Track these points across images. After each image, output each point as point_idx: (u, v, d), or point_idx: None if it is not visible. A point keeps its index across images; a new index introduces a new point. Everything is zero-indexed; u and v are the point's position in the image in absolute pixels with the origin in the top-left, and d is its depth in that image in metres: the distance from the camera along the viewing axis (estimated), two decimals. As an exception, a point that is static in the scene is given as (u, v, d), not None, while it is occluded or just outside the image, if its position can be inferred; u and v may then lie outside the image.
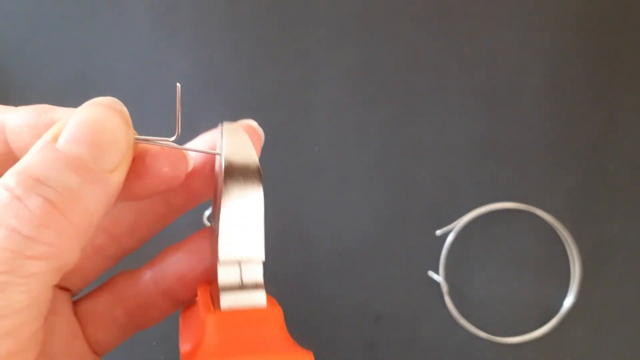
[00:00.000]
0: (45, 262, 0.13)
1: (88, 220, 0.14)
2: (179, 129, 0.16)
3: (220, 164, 0.17)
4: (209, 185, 0.19)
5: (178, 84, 0.16)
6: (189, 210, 0.20)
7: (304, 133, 0.40)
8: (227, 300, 0.16)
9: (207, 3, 0.40)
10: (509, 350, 0.39)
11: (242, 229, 0.17)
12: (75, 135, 0.14)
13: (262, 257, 0.17)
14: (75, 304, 0.19)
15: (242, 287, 0.17)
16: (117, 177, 0.14)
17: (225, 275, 0.16)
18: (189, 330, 0.17)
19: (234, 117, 0.39)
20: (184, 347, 0.17)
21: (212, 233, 0.18)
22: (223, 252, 0.16)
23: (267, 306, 0.17)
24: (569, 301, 0.39)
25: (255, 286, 0.17)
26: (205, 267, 0.19)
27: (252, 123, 0.20)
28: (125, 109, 0.15)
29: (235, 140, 0.17)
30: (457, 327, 0.39)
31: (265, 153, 0.40)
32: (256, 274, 0.17)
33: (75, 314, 0.19)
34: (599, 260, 0.39)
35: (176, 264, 0.19)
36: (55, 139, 0.14)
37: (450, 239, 0.39)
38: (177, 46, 0.40)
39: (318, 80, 0.40)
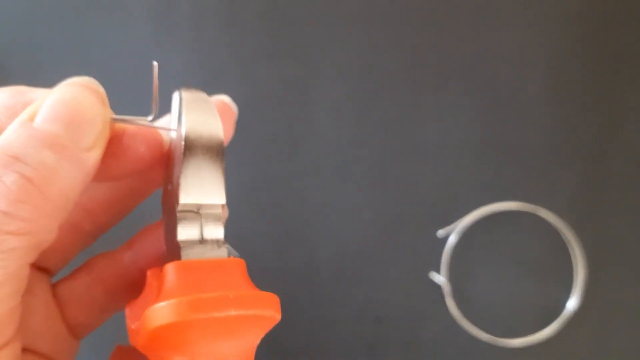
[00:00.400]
0: (21, 237, 0.13)
1: (65, 197, 0.14)
2: (155, 109, 0.16)
3: (178, 137, 0.17)
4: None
5: (154, 63, 0.16)
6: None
7: (303, 132, 0.39)
8: (187, 255, 0.16)
9: (206, 3, 0.40)
10: (511, 352, 0.39)
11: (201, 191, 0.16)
12: (51, 114, 0.14)
13: (223, 201, 0.16)
14: (54, 286, 0.19)
15: (202, 242, 0.16)
16: (94, 155, 0.14)
17: (185, 232, 0.16)
18: (138, 310, 0.16)
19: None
20: (134, 323, 0.16)
21: (165, 214, 0.18)
22: (183, 197, 0.16)
23: (232, 257, 0.16)
24: (572, 303, 0.38)
25: (216, 242, 0.16)
26: None
27: (225, 98, 0.19)
28: (101, 89, 0.15)
29: (197, 112, 0.17)
30: (459, 329, 0.39)
31: (265, 153, 0.39)
32: (217, 232, 0.17)
33: (54, 296, 0.19)
34: (602, 262, 0.39)
35: (154, 243, 0.19)
36: (32, 118, 0.14)
37: (451, 240, 0.39)
38: (175, 45, 0.40)
39: (317, 79, 0.40)
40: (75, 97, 0.14)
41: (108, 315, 0.20)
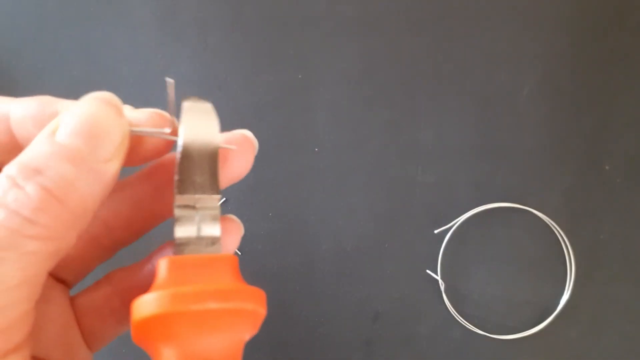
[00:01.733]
0: (41, 242, 0.14)
1: (83, 207, 0.15)
2: (174, 124, 0.17)
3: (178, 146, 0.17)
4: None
5: (170, 80, 0.16)
6: None
7: (304, 134, 0.40)
8: (181, 251, 0.17)
9: (210, 9, 0.41)
10: (506, 347, 0.39)
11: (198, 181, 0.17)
12: (72, 128, 0.15)
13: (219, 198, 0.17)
14: (73, 298, 0.20)
15: (198, 239, 0.17)
16: (112, 167, 0.15)
17: (181, 229, 0.17)
18: None
19: (236, 119, 0.40)
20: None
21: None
22: (178, 196, 0.17)
23: (224, 253, 0.17)
24: (564, 300, 0.39)
25: (211, 239, 0.17)
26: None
27: (247, 133, 0.19)
28: (119, 103, 0.16)
29: (194, 119, 0.17)
30: (455, 325, 0.39)
31: (267, 154, 0.40)
32: (213, 229, 0.17)
33: (73, 306, 0.19)
34: (594, 260, 0.39)
35: None
36: (54, 132, 0.15)
37: (447, 238, 0.39)
38: (180, 50, 0.41)
39: (318, 83, 0.40)
40: (95, 112, 0.15)
41: (124, 327, 0.20)
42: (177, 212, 0.17)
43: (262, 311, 0.16)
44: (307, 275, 0.39)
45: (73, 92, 0.41)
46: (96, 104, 0.15)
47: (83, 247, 0.19)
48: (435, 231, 0.40)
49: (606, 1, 0.40)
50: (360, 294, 0.40)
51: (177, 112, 0.17)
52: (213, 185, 0.17)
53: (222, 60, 0.41)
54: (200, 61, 0.41)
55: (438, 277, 0.39)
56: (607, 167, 0.40)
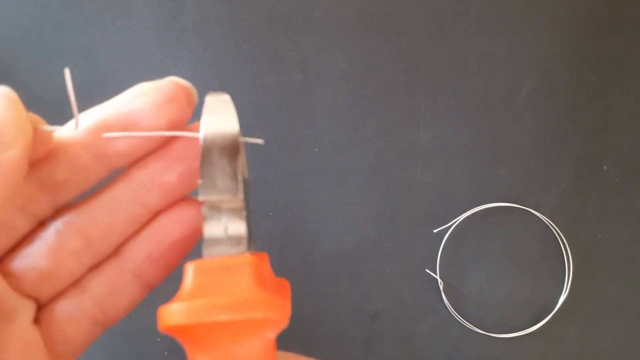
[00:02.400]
0: None
1: None
2: (77, 119, 0.17)
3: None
4: (183, 181, 0.19)
5: (66, 69, 0.16)
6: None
7: (304, 134, 0.40)
8: (207, 253, 0.17)
9: (211, 10, 0.41)
10: (504, 346, 0.40)
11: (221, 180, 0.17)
12: None
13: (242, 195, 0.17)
14: (43, 307, 0.19)
15: (225, 238, 0.17)
16: (10, 154, 0.15)
17: (210, 228, 0.17)
18: None
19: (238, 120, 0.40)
20: None
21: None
22: (201, 195, 0.17)
23: (246, 255, 0.17)
24: (562, 299, 0.39)
25: (237, 239, 0.17)
26: (172, 241, 0.19)
27: (177, 80, 0.19)
28: (13, 94, 0.16)
29: (214, 114, 0.17)
30: (454, 324, 0.40)
31: (267, 154, 0.40)
32: (239, 227, 0.17)
33: (38, 319, 0.19)
34: (591, 259, 0.40)
35: (143, 242, 0.19)
36: None
37: (447, 237, 0.40)
38: (181, 51, 0.41)
39: (318, 83, 0.41)
40: None
41: (97, 332, 0.20)
42: (205, 212, 0.17)
43: (275, 316, 0.16)
44: (307, 275, 0.40)
45: (74, 92, 0.41)
46: None
47: (60, 263, 0.18)
48: (435, 231, 0.40)
49: (604, 2, 0.40)
50: (359, 293, 0.40)
51: (77, 105, 0.17)
52: (234, 185, 0.17)
53: (223, 61, 0.41)
54: (201, 62, 0.41)
55: (437, 277, 0.39)
56: (605, 167, 0.40)
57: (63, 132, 0.17)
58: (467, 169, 0.40)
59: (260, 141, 0.18)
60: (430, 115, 0.40)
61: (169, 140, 0.19)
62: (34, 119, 0.16)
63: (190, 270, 0.16)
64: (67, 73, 0.16)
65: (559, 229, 0.39)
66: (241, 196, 0.17)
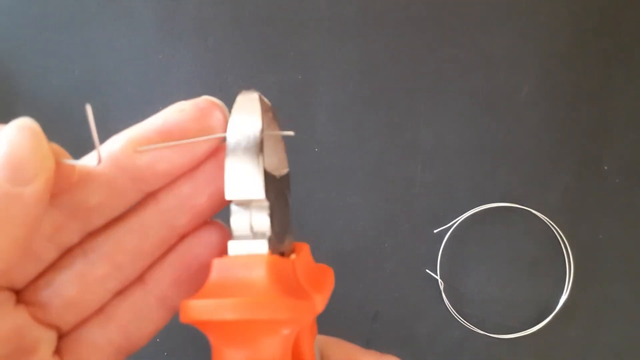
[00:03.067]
0: None
1: (10, 232, 0.15)
2: (99, 155, 0.16)
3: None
4: (212, 203, 0.19)
5: (88, 106, 0.15)
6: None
7: (304, 135, 0.40)
8: (232, 250, 0.17)
9: (211, 9, 0.41)
10: (505, 346, 0.40)
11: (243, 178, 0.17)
12: None
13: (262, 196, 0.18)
14: (62, 337, 0.18)
15: (251, 234, 0.18)
16: (31, 189, 0.15)
17: (236, 224, 0.17)
18: None
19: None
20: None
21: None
22: (227, 194, 0.17)
23: (264, 255, 0.17)
24: (563, 299, 0.39)
25: (262, 235, 0.18)
26: (198, 264, 0.19)
27: (210, 98, 0.19)
28: (35, 125, 0.15)
29: (240, 114, 0.18)
30: (454, 324, 0.40)
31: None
32: (264, 224, 0.18)
33: (60, 349, 0.18)
34: (592, 260, 0.40)
35: (169, 267, 0.19)
36: None
37: (447, 237, 0.40)
38: (180, 51, 0.41)
39: (318, 83, 0.41)
40: (6, 140, 0.15)
41: (123, 357, 0.19)
42: (233, 207, 0.18)
43: (284, 317, 0.16)
44: (307, 275, 0.40)
45: (74, 92, 0.41)
46: (6, 131, 0.15)
47: (86, 290, 0.18)
48: (435, 231, 0.40)
49: (604, 2, 0.40)
50: (359, 293, 0.40)
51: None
52: (258, 185, 0.17)
53: (223, 61, 0.41)
54: (201, 62, 0.41)
55: (437, 277, 0.39)
56: (605, 167, 0.40)
57: (85, 165, 0.17)
58: (467, 168, 0.40)
59: (290, 133, 0.19)
60: (430, 115, 0.40)
61: (201, 162, 0.18)
62: (57, 151, 0.16)
63: (214, 266, 0.17)
64: (89, 109, 0.15)
65: (560, 229, 0.39)
66: (263, 196, 0.17)
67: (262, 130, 0.17)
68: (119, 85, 0.41)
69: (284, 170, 0.20)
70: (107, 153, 0.17)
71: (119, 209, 0.18)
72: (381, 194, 0.40)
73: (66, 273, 0.18)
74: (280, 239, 0.18)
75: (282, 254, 0.18)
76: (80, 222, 0.18)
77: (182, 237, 0.19)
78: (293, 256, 0.19)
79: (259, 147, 0.17)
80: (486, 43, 0.40)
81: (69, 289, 0.17)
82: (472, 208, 0.40)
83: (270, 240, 0.17)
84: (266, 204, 0.18)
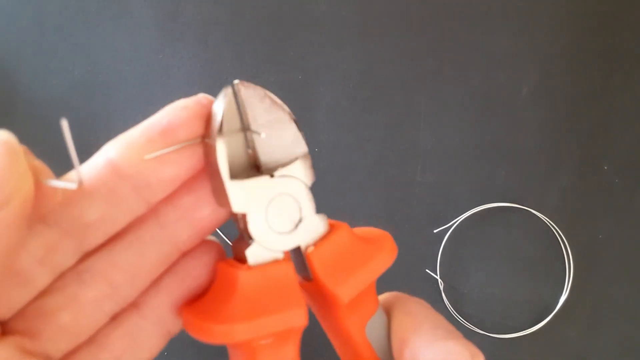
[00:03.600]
0: None
1: None
2: (79, 175, 0.15)
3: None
4: (216, 215, 0.18)
5: (64, 121, 0.14)
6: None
7: (304, 135, 0.40)
8: (253, 257, 0.17)
9: (211, 9, 0.41)
10: (505, 346, 0.40)
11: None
12: None
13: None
14: None
15: (272, 234, 0.17)
16: (9, 209, 0.14)
17: (253, 225, 0.17)
18: (208, 306, 0.17)
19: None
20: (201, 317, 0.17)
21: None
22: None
23: (283, 260, 0.17)
24: (562, 299, 0.39)
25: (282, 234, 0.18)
26: (197, 287, 0.18)
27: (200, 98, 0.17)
28: (13, 141, 0.14)
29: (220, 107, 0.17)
30: (454, 324, 0.40)
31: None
32: (252, 232, 0.17)
33: None
34: (592, 259, 0.40)
35: (166, 290, 0.18)
36: None
37: (447, 237, 0.40)
38: (180, 51, 0.41)
39: (318, 83, 0.41)
40: None
41: None
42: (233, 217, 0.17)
43: (295, 323, 0.17)
44: (307, 275, 0.40)
45: (74, 92, 0.41)
46: None
47: (79, 314, 0.16)
48: (435, 231, 0.40)
49: (604, 2, 0.40)
50: (360, 293, 0.40)
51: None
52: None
53: (223, 61, 0.41)
54: (201, 62, 0.41)
55: (437, 277, 0.39)
56: (605, 167, 0.40)
57: (67, 187, 0.15)
58: (467, 169, 0.40)
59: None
60: (430, 115, 0.40)
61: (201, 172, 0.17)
62: (38, 169, 0.14)
63: (239, 282, 0.16)
64: (64, 125, 0.14)
65: (559, 229, 0.39)
66: (236, 209, 0.16)
67: (221, 142, 0.16)
68: (119, 85, 0.41)
69: (299, 151, 0.19)
70: (106, 161, 0.15)
71: (120, 223, 0.16)
72: (381, 194, 0.40)
73: (58, 297, 0.16)
74: (285, 236, 0.18)
75: (298, 249, 0.18)
76: (76, 241, 0.16)
77: (183, 255, 0.18)
78: (311, 249, 0.18)
79: (222, 158, 0.16)
80: (486, 43, 0.40)
81: (61, 315, 0.16)
82: (472, 208, 0.40)
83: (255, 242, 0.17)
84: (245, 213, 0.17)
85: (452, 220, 0.40)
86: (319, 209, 0.19)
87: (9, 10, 0.41)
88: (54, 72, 0.41)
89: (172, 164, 0.16)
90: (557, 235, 0.40)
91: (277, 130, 0.18)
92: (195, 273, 0.18)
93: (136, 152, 0.15)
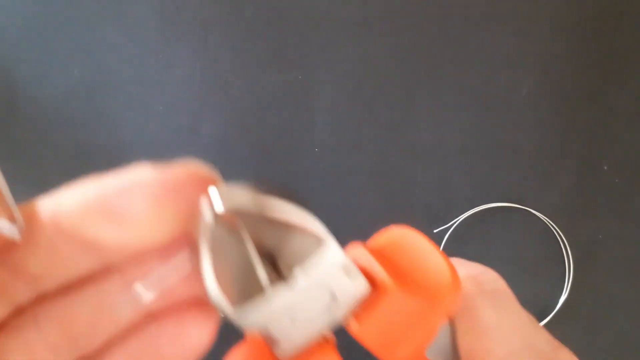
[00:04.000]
0: None
1: None
2: (19, 220, 0.13)
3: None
4: (190, 283, 0.15)
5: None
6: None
7: (304, 135, 0.40)
8: (283, 352, 0.15)
9: (211, 9, 0.41)
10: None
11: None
12: None
13: None
14: None
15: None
16: None
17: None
18: None
19: (237, 119, 0.40)
20: None
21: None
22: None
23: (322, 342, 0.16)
24: (562, 299, 0.39)
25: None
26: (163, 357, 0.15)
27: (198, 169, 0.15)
28: None
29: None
30: (454, 324, 0.40)
31: (267, 154, 0.40)
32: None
33: None
34: (592, 260, 0.40)
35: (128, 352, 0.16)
36: None
37: (447, 237, 0.40)
38: (181, 51, 0.41)
39: (318, 83, 0.41)
40: None
41: None
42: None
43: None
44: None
45: (74, 92, 0.41)
46: None
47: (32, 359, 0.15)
48: (435, 231, 0.40)
49: (604, 2, 0.40)
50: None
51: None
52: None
53: (223, 61, 0.41)
54: (201, 61, 0.41)
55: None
56: (605, 168, 0.40)
57: (7, 234, 0.13)
58: (467, 168, 0.40)
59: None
60: (431, 115, 0.40)
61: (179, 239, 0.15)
62: None
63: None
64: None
65: (559, 229, 0.39)
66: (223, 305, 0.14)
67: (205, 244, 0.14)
68: (119, 85, 0.41)
69: (313, 228, 0.15)
70: (51, 213, 0.14)
71: (72, 276, 0.15)
72: (381, 194, 0.40)
73: (13, 339, 0.14)
74: (318, 319, 0.15)
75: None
76: (25, 284, 0.14)
77: (152, 318, 0.15)
78: (355, 326, 0.16)
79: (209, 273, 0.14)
80: (486, 43, 0.40)
81: (12, 358, 0.14)
82: (472, 208, 0.40)
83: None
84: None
85: (452, 220, 0.40)
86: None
87: (9, 10, 0.41)
88: (54, 72, 0.41)
89: (136, 235, 0.14)
90: (557, 235, 0.40)
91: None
92: (160, 344, 0.15)
93: (85, 211, 0.14)
